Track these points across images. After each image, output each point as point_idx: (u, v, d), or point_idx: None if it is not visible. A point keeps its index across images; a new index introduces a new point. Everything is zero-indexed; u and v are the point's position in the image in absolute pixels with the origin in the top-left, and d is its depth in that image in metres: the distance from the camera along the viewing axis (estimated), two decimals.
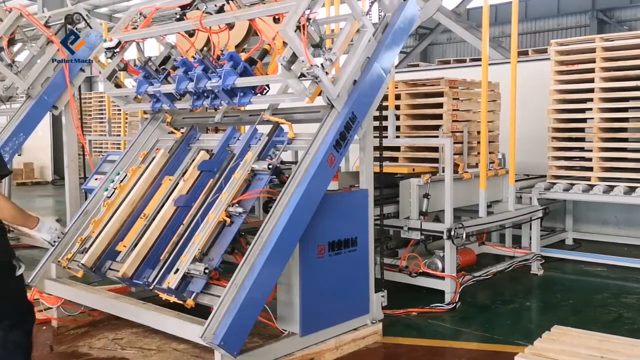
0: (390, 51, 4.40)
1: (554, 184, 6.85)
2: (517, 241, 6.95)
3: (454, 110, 6.18)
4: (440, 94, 6.16)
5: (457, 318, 5.08)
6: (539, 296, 5.89)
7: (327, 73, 3.93)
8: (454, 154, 5.78)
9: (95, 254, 4.33)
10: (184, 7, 4.77)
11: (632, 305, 5.38)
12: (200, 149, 4.82)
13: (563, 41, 7.00)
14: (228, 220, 3.94)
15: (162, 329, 4.07)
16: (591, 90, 6.63)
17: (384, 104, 5.81)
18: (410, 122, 6.44)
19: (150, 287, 3.96)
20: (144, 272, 4.07)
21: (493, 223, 6.28)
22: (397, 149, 6.36)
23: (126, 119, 12.49)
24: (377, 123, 4.72)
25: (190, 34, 4.85)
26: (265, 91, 4.36)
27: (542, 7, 23.43)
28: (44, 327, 4.77)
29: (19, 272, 3.23)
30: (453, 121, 6.14)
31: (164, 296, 3.90)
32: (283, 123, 4.38)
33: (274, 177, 4.15)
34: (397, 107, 6.43)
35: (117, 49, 4.93)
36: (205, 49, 4.66)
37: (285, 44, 3.92)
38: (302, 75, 3.85)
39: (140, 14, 5.02)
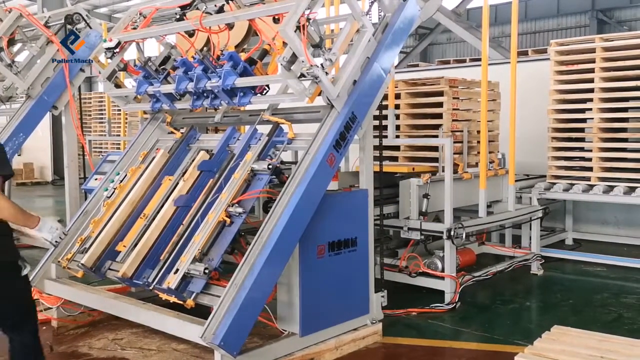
0: (390, 51, 4.40)
1: (554, 184, 6.85)
2: (517, 241, 6.94)
3: (454, 109, 6.17)
4: (440, 93, 6.16)
5: (457, 318, 5.08)
6: (539, 296, 5.89)
7: (327, 73, 3.93)
8: (454, 154, 5.78)
9: (95, 254, 4.33)
10: (183, 7, 4.78)
11: (632, 305, 5.38)
12: (200, 149, 4.81)
13: (563, 41, 7.00)
14: (228, 220, 3.94)
15: (162, 329, 4.07)
16: (591, 90, 6.63)
17: (384, 103, 5.81)
18: (410, 122, 6.43)
19: (150, 287, 3.96)
20: (143, 272, 4.07)
21: (493, 223, 6.28)
22: (397, 148, 6.36)
23: (126, 119, 12.48)
24: (377, 123, 4.72)
25: (190, 34, 4.86)
26: (265, 91, 4.37)
27: (542, 7, 23.41)
28: (44, 327, 4.75)
29: (24, 273, 3.25)
30: (453, 121, 6.14)
31: (163, 296, 3.90)
32: (283, 123, 4.38)
33: (274, 177, 4.15)
34: (397, 107, 6.43)
35: (117, 49, 4.94)
36: (205, 49, 4.66)
37: (285, 44, 3.92)
38: (302, 75, 3.85)
39: (140, 14, 5.02)
